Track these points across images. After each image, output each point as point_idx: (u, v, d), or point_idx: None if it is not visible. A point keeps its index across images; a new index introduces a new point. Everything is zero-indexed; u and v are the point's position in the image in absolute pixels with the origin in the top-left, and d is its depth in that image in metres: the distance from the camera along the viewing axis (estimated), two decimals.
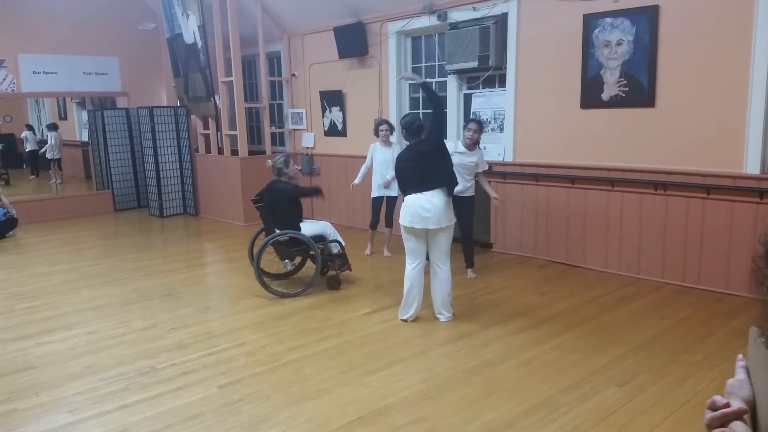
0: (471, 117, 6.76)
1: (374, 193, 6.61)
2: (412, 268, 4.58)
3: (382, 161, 6.45)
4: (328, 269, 5.66)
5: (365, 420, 3.16)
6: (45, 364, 3.99)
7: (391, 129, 6.57)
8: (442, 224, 4.43)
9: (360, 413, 3.23)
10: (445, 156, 4.58)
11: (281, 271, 5.84)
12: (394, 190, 6.39)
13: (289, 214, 5.45)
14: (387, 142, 6.51)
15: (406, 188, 4.54)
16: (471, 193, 5.72)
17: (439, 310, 4.64)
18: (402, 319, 4.63)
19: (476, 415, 3.20)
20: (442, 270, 4.58)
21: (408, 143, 4.78)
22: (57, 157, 12.57)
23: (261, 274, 5.32)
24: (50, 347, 4.30)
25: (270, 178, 5.68)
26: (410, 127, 4.63)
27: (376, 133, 6.54)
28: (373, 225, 6.76)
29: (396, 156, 4.93)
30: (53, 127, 12.68)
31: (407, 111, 7.77)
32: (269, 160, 5.68)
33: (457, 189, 4.74)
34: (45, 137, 13.22)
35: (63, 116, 13.87)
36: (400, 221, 4.54)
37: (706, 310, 4.76)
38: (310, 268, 5.79)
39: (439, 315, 4.64)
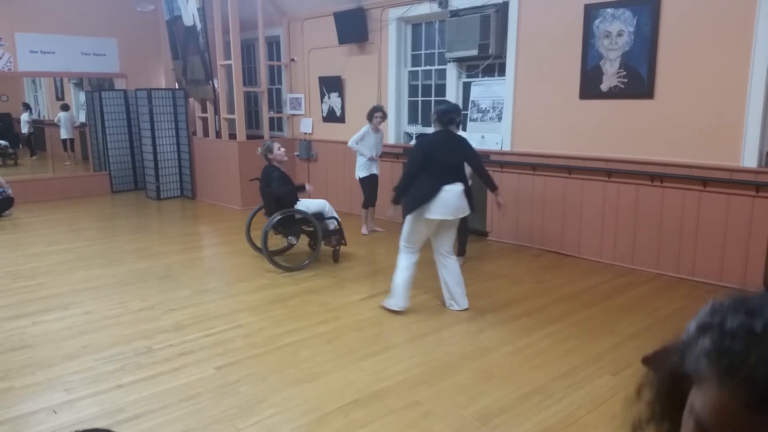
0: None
1: (363, 173, 6.89)
2: (416, 257, 4.58)
3: (373, 145, 6.87)
4: (326, 244, 5.97)
5: (361, 403, 3.20)
6: (41, 343, 4.01)
7: (384, 116, 6.91)
8: (466, 212, 4.55)
9: (356, 396, 3.26)
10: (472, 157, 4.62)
11: (277, 247, 6.08)
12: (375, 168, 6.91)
13: (290, 198, 5.76)
14: (377, 129, 6.89)
15: (443, 179, 4.36)
16: None
17: (458, 299, 4.59)
18: (396, 310, 4.54)
19: (471, 400, 3.23)
20: (452, 259, 4.60)
21: (437, 130, 4.56)
22: (70, 137, 12.50)
23: (270, 255, 5.62)
24: (46, 326, 4.31)
25: (262, 164, 5.93)
26: (443, 116, 4.50)
27: (370, 119, 6.85)
28: (366, 204, 7.05)
29: (422, 142, 4.62)
30: (64, 107, 12.62)
31: (406, 98, 7.79)
32: (259, 148, 5.92)
33: None
34: (42, 117, 13.13)
35: (60, 97, 13.76)
36: (431, 215, 4.34)
37: (700, 302, 4.72)
38: (302, 244, 6.14)
39: (455, 304, 4.60)
